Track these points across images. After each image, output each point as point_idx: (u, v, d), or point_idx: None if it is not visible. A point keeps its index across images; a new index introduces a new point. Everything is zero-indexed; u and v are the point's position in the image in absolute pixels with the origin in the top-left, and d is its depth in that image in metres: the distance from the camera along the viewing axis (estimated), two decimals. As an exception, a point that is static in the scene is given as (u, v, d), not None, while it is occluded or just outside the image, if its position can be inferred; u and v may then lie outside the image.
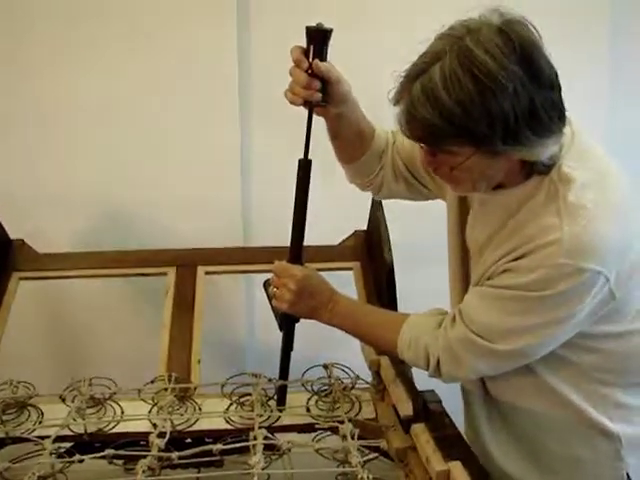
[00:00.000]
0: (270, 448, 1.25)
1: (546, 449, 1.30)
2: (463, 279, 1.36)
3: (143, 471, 1.16)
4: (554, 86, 1.08)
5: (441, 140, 1.09)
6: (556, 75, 1.08)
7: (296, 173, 1.40)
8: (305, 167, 1.38)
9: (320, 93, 1.28)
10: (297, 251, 1.41)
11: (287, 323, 1.43)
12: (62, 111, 2.18)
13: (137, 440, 1.40)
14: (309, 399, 1.51)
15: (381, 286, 1.81)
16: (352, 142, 1.42)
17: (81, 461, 1.25)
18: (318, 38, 1.28)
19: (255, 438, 1.24)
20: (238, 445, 1.24)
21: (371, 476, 1.11)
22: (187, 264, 1.89)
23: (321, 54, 1.27)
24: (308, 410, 1.49)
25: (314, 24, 1.29)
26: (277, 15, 2.23)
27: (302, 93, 1.28)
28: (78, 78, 2.18)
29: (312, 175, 2.28)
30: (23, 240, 1.92)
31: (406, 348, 1.29)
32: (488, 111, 1.02)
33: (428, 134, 1.09)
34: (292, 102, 1.30)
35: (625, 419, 1.27)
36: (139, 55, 2.20)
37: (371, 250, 1.91)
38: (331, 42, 1.31)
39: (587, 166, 1.16)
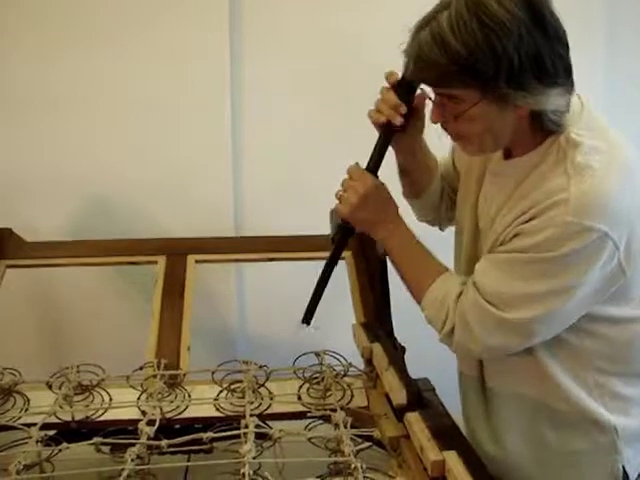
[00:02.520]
0: (261, 436, 1.23)
1: (543, 441, 1.28)
2: (473, 260, 1.33)
3: (132, 459, 1.13)
4: (560, 39, 1.10)
5: (448, 82, 1.11)
6: (563, 31, 1.11)
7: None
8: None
9: (403, 118, 1.29)
10: (377, 164, 1.32)
11: (341, 232, 1.35)
12: (50, 100, 2.16)
13: (125, 427, 1.38)
14: (300, 386, 1.49)
15: (374, 276, 1.80)
16: (420, 176, 1.46)
17: (67, 449, 1.23)
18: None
19: (246, 426, 1.22)
20: (229, 434, 1.22)
21: (364, 465, 1.09)
22: (177, 253, 1.87)
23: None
24: (299, 398, 1.47)
25: None
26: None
27: (387, 112, 1.30)
28: (66, 67, 2.15)
29: (299, 165, 2.29)
30: (11, 229, 1.89)
31: (429, 304, 1.27)
32: (493, 52, 1.05)
33: (435, 76, 1.12)
34: (375, 121, 1.33)
35: (621, 410, 1.26)
36: (128, 46, 2.18)
37: (363, 240, 1.88)
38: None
39: (595, 135, 1.16)
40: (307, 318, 1.39)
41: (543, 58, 1.08)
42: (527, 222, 1.14)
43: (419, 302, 1.30)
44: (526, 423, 1.30)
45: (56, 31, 2.15)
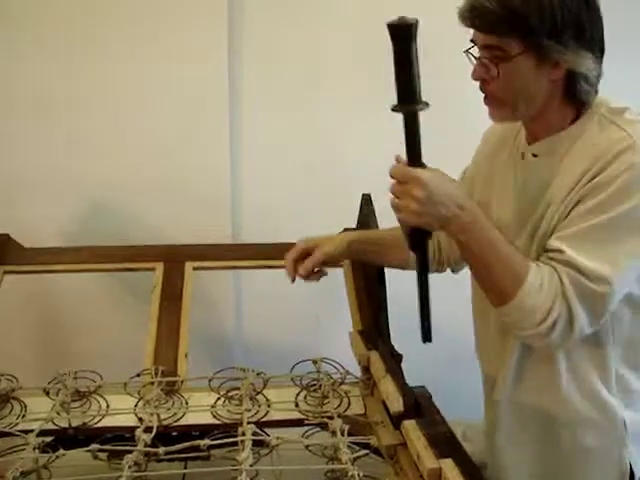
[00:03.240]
0: (258, 444, 1.23)
1: (558, 446, 1.32)
2: None
3: (129, 466, 1.13)
4: (597, 13, 1.20)
5: (495, 28, 1.18)
6: (600, 13, 1.21)
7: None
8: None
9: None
10: (417, 150, 1.15)
11: (418, 239, 1.19)
12: (48, 105, 2.17)
13: (122, 434, 1.38)
14: (298, 394, 1.50)
15: (371, 284, 1.80)
16: (395, 258, 1.54)
17: (64, 455, 1.23)
18: None
19: (243, 434, 1.22)
20: (226, 441, 1.22)
21: (361, 473, 1.10)
22: (175, 259, 1.87)
23: None
24: (297, 405, 1.47)
25: None
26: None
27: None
28: (66, 70, 2.17)
29: (296, 172, 2.28)
30: (8, 235, 1.89)
31: (536, 290, 1.15)
32: (539, 4, 1.15)
33: (485, 22, 1.19)
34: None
35: (632, 405, 1.29)
36: (127, 50, 2.19)
37: (361, 247, 1.89)
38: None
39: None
40: (428, 335, 1.23)
41: (583, 22, 1.17)
42: (593, 179, 1.16)
43: (512, 296, 1.16)
44: (543, 432, 1.33)
45: (53, 33, 2.16)
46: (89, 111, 2.19)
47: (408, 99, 1.10)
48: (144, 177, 2.23)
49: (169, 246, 1.93)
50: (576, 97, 1.22)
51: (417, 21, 1.06)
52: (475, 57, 1.25)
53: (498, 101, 1.25)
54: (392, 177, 1.16)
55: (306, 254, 1.51)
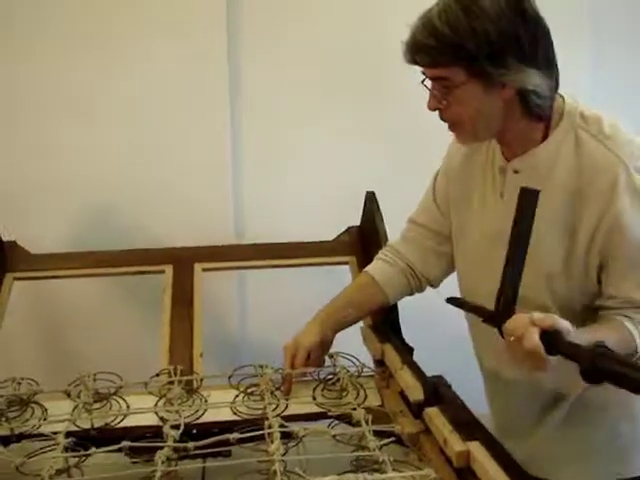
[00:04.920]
0: (285, 436, 1.25)
1: (594, 439, 1.39)
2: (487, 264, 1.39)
3: (162, 462, 1.15)
4: (540, 30, 1.23)
5: (436, 62, 1.24)
6: (544, 25, 1.24)
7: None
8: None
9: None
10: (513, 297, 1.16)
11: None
12: (51, 110, 2.19)
13: (144, 434, 1.39)
14: (315, 388, 1.52)
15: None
16: (374, 306, 1.63)
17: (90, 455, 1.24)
18: None
19: (270, 427, 1.24)
20: (255, 434, 1.24)
21: (392, 458, 1.12)
22: (184, 261, 1.89)
23: None
24: (314, 399, 1.49)
25: None
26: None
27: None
28: (68, 75, 2.19)
29: (304, 168, 2.30)
30: (15, 241, 1.90)
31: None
32: (474, 30, 1.19)
33: (425, 57, 1.25)
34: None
35: None
36: (129, 50, 2.22)
37: (367, 245, 1.92)
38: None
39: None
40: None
41: (522, 41, 1.20)
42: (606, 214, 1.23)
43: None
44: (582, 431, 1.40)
45: (54, 39, 2.18)
46: (94, 116, 2.22)
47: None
48: (146, 180, 2.25)
49: (176, 248, 1.95)
50: (532, 111, 1.27)
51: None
52: (428, 88, 1.30)
53: (458, 127, 1.32)
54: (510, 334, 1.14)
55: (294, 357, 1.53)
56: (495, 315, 1.18)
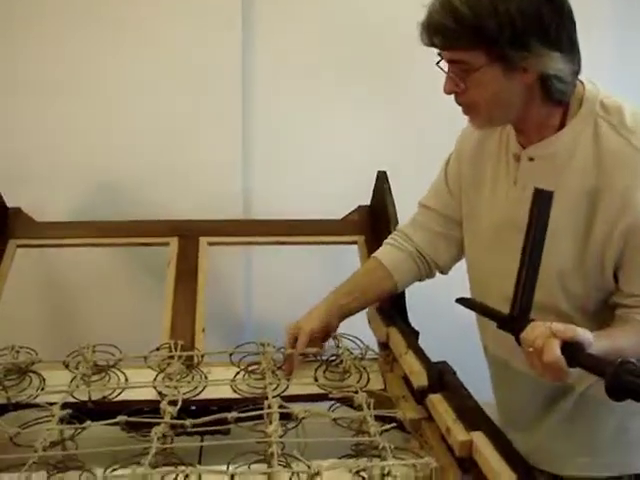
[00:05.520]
0: (284, 417, 1.23)
1: (601, 433, 1.35)
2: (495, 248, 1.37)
3: (158, 439, 1.13)
4: (564, 11, 1.16)
5: (456, 44, 1.18)
6: (569, 6, 1.17)
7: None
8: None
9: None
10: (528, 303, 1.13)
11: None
12: (62, 82, 2.17)
13: (141, 408, 1.37)
14: (317, 369, 1.49)
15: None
16: (382, 293, 1.59)
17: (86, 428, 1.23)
18: None
19: (269, 407, 1.22)
20: (254, 413, 1.22)
21: (392, 445, 1.10)
22: (189, 235, 1.87)
23: None
24: (316, 380, 1.47)
25: None
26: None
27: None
28: (77, 50, 2.17)
29: (314, 146, 2.27)
30: (20, 208, 1.88)
31: None
32: (495, 11, 1.12)
33: (445, 39, 1.19)
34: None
35: None
36: (138, 30, 2.19)
37: (376, 224, 1.89)
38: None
39: (626, 100, 1.23)
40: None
41: (545, 22, 1.13)
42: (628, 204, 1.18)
43: None
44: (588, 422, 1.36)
45: (65, 15, 2.15)
46: (101, 91, 2.19)
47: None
48: (155, 155, 2.24)
49: (183, 221, 1.92)
50: (553, 97, 1.21)
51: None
52: (444, 70, 1.24)
53: (473, 111, 1.26)
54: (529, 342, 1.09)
55: (295, 340, 1.50)
56: (510, 320, 1.15)
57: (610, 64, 2.36)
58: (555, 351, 1.03)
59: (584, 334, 1.06)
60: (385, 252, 1.59)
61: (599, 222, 1.21)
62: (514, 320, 1.13)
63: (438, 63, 1.24)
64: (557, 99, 1.21)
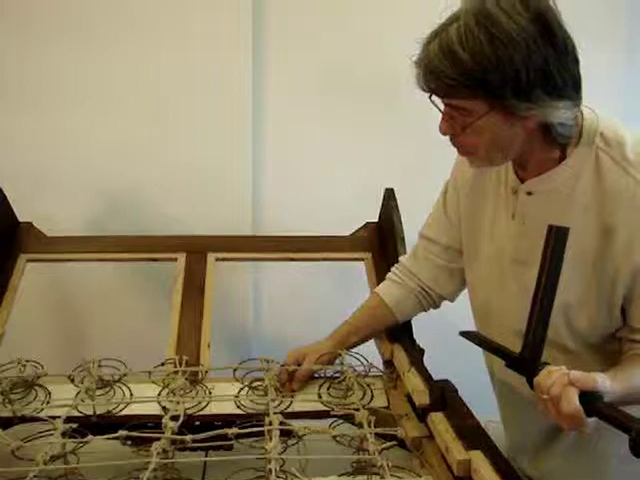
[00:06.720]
0: (285, 434, 1.23)
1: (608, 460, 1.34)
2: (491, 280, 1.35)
3: (158, 453, 1.13)
4: (569, 53, 1.10)
5: (456, 93, 1.12)
6: (573, 46, 1.11)
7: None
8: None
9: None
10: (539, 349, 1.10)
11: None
12: (72, 96, 2.19)
13: (145, 423, 1.38)
14: (321, 386, 1.50)
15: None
16: (385, 327, 1.60)
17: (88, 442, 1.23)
18: None
19: (270, 423, 1.22)
20: (255, 430, 1.22)
21: (390, 464, 1.10)
22: (197, 250, 1.87)
23: None
24: (320, 397, 1.47)
25: None
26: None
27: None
28: (83, 62, 2.18)
29: (324, 163, 2.27)
30: (31, 223, 1.89)
31: None
32: (499, 62, 1.06)
33: (444, 87, 1.13)
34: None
35: None
36: (148, 44, 2.21)
37: (383, 241, 1.89)
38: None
39: (626, 128, 1.19)
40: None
41: (551, 72, 1.08)
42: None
43: None
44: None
45: (74, 28, 2.17)
46: (112, 106, 2.21)
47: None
48: (165, 170, 2.25)
49: (191, 237, 1.93)
50: (555, 141, 1.17)
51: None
52: (439, 109, 1.19)
53: (470, 152, 1.22)
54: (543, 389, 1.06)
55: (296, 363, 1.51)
56: (521, 361, 1.12)
57: (620, 86, 2.35)
58: (574, 402, 0.99)
59: (603, 383, 1.02)
60: (387, 289, 1.59)
61: (607, 260, 1.19)
62: (526, 361, 1.11)
63: (430, 96, 1.18)
64: (559, 142, 1.18)
